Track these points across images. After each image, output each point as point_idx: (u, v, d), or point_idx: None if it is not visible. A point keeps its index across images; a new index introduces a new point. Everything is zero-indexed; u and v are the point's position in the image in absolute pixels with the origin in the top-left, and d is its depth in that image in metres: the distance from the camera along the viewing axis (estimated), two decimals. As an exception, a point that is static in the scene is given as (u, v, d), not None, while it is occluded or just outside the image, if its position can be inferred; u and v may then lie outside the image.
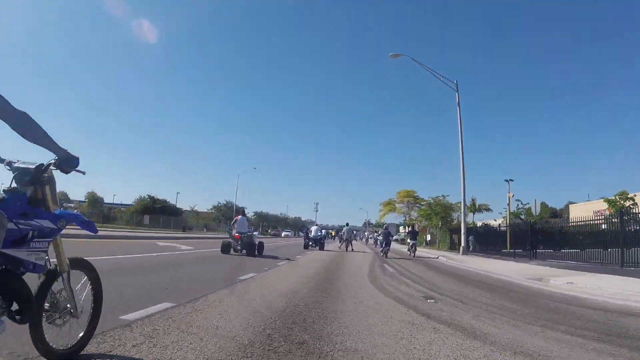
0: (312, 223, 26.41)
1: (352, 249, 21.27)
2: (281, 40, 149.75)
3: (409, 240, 20.91)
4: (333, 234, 58.79)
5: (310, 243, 20.28)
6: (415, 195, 57.74)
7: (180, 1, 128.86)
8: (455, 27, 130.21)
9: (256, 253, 11.84)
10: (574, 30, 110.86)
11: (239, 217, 12.49)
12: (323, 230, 52.29)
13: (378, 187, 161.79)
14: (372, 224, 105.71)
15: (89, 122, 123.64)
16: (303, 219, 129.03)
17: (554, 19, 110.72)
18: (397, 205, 59.23)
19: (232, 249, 11.77)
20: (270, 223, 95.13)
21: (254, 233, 13.11)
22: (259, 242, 12.51)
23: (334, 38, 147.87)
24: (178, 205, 61.99)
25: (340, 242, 25.14)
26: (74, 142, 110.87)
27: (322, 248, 20.32)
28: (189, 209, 68.15)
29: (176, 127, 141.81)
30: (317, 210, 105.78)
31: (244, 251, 11.69)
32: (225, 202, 72.11)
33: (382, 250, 17.71)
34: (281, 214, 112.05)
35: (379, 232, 21.56)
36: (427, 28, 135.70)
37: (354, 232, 24.80)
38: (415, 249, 19.86)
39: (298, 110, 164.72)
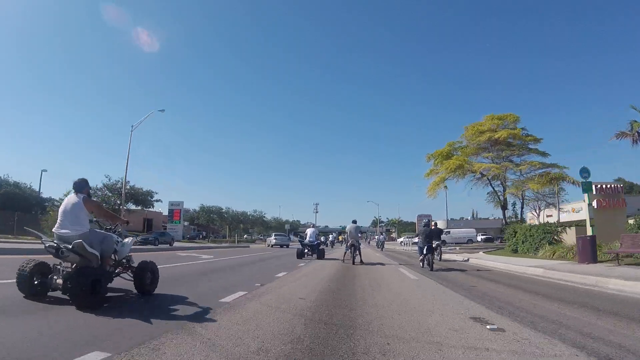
0: (312, 226, 18.94)
1: (362, 260, 13.37)
2: (280, 40, 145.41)
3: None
4: (340, 238, 48.34)
5: (306, 250, 15.82)
6: (521, 129, 25.85)
7: (178, 5, 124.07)
8: (456, 24, 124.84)
9: (113, 293, 4.77)
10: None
11: (70, 197, 4.53)
12: (331, 235, 45.37)
13: (382, 182, 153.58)
14: (383, 222, 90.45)
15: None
16: (302, 222, 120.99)
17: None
18: (467, 157, 26.85)
19: (50, 284, 4.21)
20: (230, 223, 65.21)
21: (126, 241, 5.11)
22: (142, 266, 5.00)
23: (333, 37, 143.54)
24: (44, 193, 36.88)
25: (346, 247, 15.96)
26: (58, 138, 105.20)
27: (320, 256, 15.71)
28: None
29: (172, 129, 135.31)
30: (316, 212, 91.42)
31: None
32: (108, 181, 35.66)
33: (422, 259, 11.63)
34: (255, 211, 76.29)
35: (419, 231, 13.06)
36: (427, 26, 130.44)
37: (361, 232, 15.85)
38: (441, 252, 15.53)
39: (296, 109, 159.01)
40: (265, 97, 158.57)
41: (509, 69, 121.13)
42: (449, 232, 43.84)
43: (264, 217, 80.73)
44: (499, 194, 27.21)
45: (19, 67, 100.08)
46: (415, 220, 76.44)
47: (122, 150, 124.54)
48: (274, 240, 38.01)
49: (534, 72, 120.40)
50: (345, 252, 14.33)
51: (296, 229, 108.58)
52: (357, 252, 13.32)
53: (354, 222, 14.23)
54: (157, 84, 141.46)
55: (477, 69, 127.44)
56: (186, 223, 59.58)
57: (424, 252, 11.41)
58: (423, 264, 11.54)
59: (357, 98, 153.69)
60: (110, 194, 35.50)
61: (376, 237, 50.15)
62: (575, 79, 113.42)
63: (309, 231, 17.04)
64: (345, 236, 15.04)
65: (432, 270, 10.60)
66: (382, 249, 30.46)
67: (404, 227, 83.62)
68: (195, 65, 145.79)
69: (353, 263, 12.70)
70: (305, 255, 15.67)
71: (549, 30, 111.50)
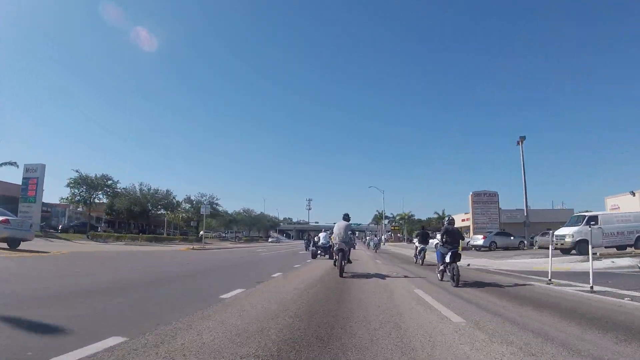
0: (323, 230, 18.72)
1: (354, 268, 11.43)
2: (280, 40, 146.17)
3: (417, 244, 15.76)
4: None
5: (319, 252, 17.73)
6: None
7: (178, 5, 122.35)
8: (456, 24, 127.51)
9: None
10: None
11: None
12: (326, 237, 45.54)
13: (382, 182, 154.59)
14: (389, 217, 73.12)
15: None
16: (294, 220, 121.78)
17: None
18: None
19: None
20: (147, 210, 43.63)
21: None
22: None
23: (333, 37, 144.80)
24: None
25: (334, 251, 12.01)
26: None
27: (332, 257, 16.34)
28: None
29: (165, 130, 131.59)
30: (309, 208, 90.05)
31: None
32: None
33: (441, 270, 8.84)
34: (202, 195, 52.13)
35: (442, 231, 9.40)
36: (427, 26, 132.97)
37: (351, 232, 11.98)
38: (458, 273, 8.84)
39: (296, 109, 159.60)
40: (265, 97, 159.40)
41: (509, 68, 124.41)
42: (595, 224, 18.55)
43: (217, 204, 52.81)
44: None
45: (18, 67, 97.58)
46: (423, 218, 65.08)
47: (127, 153, 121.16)
48: None
49: (534, 72, 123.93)
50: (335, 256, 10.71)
51: (277, 225, 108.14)
52: (347, 257, 10.20)
53: (345, 218, 10.56)
54: (157, 84, 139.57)
55: (477, 69, 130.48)
56: (79, 208, 39.82)
57: (447, 259, 8.35)
58: (442, 276, 8.76)
59: (357, 98, 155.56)
60: None
61: (367, 237, 44.05)
62: (576, 79, 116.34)
63: (321, 235, 18.47)
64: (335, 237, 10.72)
65: (456, 286, 7.64)
66: (376, 251, 31.14)
67: (412, 225, 70.47)
68: (195, 65, 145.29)
69: (341, 275, 9.14)
70: (319, 256, 17.41)
71: (549, 30, 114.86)
